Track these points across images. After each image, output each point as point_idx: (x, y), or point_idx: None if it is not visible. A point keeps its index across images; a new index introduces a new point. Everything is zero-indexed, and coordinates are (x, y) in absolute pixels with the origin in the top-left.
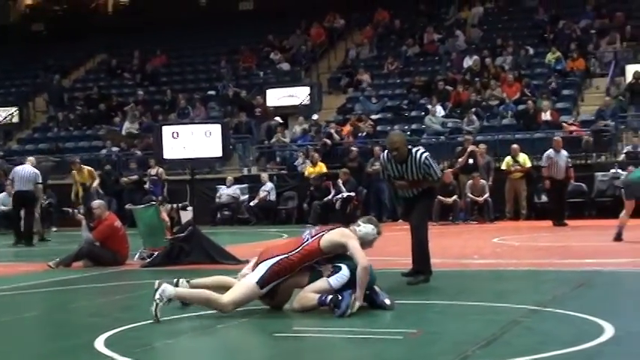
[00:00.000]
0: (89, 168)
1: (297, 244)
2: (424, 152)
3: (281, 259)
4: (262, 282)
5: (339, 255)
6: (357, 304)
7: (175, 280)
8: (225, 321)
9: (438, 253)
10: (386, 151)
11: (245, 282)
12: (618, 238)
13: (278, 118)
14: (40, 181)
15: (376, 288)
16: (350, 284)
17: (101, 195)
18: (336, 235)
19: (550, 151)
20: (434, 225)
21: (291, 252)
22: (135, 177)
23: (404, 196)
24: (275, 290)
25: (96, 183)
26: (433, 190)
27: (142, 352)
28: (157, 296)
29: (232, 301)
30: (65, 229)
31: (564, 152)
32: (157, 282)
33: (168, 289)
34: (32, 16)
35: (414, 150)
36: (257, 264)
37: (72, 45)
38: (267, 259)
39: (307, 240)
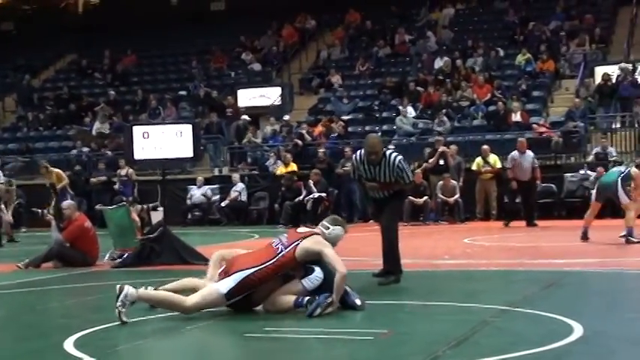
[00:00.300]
0: (57, 170)
1: (269, 254)
2: (398, 155)
3: (254, 272)
4: (230, 294)
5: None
6: (331, 308)
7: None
8: (196, 322)
9: (408, 253)
10: (359, 152)
11: (212, 290)
12: (584, 237)
13: (245, 117)
14: (1, 181)
15: (347, 288)
16: (324, 286)
17: (71, 195)
18: (310, 243)
19: (514, 153)
20: (405, 225)
21: (264, 264)
22: (103, 178)
23: (374, 196)
24: (248, 298)
25: (62, 184)
26: (404, 191)
27: (112, 354)
28: (119, 303)
29: (195, 306)
30: (35, 230)
31: (530, 153)
32: (117, 287)
33: (130, 291)
34: (1, 15)
35: (387, 152)
36: (226, 273)
37: (42, 45)
38: (239, 271)
39: (281, 251)
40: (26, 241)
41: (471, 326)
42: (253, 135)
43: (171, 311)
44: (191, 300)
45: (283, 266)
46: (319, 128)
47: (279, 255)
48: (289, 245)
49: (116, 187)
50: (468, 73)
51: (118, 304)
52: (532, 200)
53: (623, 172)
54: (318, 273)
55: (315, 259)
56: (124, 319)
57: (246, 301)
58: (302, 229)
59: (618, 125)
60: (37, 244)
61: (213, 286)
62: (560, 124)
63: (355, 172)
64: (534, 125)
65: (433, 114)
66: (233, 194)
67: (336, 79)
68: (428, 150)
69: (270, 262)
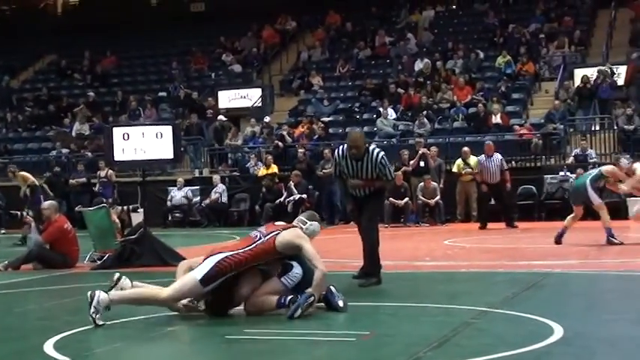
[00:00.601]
0: (22, 173)
1: (247, 242)
2: (380, 151)
3: (228, 256)
4: (206, 280)
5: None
6: (312, 309)
7: (116, 277)
8: (177, 324)
9: (389, 255)
10: (342, 147)
11: (188, 278)
12: (558, 240)
13: (222, 117)
14: None
15: (332, 288)
16: (303, 283)
17: (50, 197)
18: (291, 236)
19: (481, 157)
20: (385, 227)
21: (240, 249)
22: (83, 179)
23: (354, 194)
24: (227, 295)
25: (28, 184)
26: (383, 191)
27: (92, 356)
28: (92, 309)
29: (171, 297)
30: (14, 232)
31: (497, 156)
32: (89, 293)
33: (102, 297)
34: None
35: (370, 148)
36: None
37: (21, 45)
38: (212, 255)
39: (260, 239)
40: (5, 243)
41: (452, 328)
42: (234, 137)
43: (149, 305)
44: (166, 291)
45: (263, 253)
46: (300, 130)
47: (258, 242)
48: (268, 234)
49: (96, 188)
50: (448, 75)
51: (91, 310)
52: (507, 202)
53: (591, 174)
54: (296, 269)
55: (294, 253)
56: (99, 322)
57: (225, 298)
58: (280, 223)
59: (597, 127)
60: (16, 246)
61: (187, 275)
62: (540, 126)
63: (337, 168)
64: (516, 127)
65: (413, 116)
66: (214, 195)
67: (316, 80)
68: (406, 152)
69: (248, 248)
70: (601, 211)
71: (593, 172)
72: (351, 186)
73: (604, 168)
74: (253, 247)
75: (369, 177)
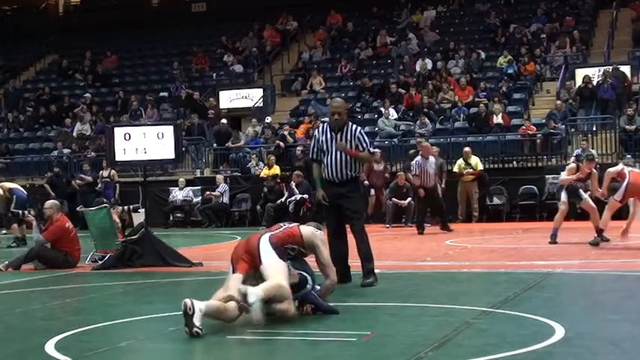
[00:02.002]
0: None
1: (271, 230)
2: (359, 127)
3: (271, 235)
4: (281, 255)
5: (296, 259)
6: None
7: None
8: (178, 324)
9: (391, 255)
10: (321, 125)
11: (275, 267)
12: (553, 240)
13: (224, 121)
14: None
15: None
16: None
17: (52, 197)
18: (312, 233)
19: (418, 159)
20: (387, 228)
21: (272, 232)
22: (89, 179)
23: (329, 179)
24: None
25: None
26: (359, 183)
27: (94, 356)
28: (198, 323)
29: (283, 285)
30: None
31: (433, 159)
32: (186, 303)
33: (198, 306)
34: None
35: (350, 123)
36: (235, 265)
37: (22, 45)
38: (256, 245)
39: (282, 227)
40: (6, 243)
41: (453, 328)
42: (235, 138)
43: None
44: (275, 287)
45: (291, 237)
46: (301, 130)
47: (283, 228)
48: (284, 225)
49: (98, 187)
50: (449, 75)
51: (197, 324)
52: (439, 204)
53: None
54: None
55: (308, 253)
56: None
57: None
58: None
59: (599, 127)
60: (17, 246)
61: (273, 267)
62: (542, 126)
63: (314, 148)
64: (524, 126)
65: (415, 116)
66: (217, 193)
67: (317, 80)
68: (412, 151)
69: (278, 230)
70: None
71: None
72: (338, 147)
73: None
74: (283, 230)
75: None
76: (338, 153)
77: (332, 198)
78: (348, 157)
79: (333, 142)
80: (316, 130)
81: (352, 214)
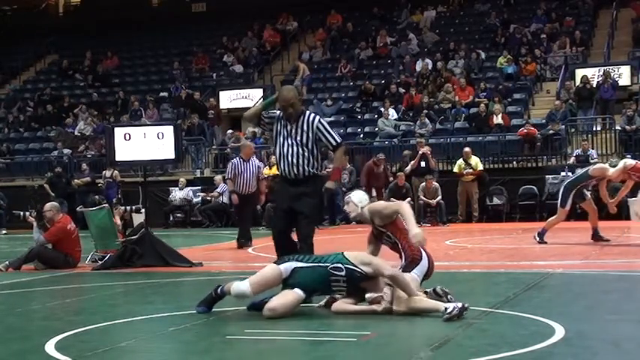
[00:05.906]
0: None
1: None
2: (318, 116)
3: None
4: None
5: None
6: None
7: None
8: (178, 324)
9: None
10: (279, 112)
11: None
12: (598, 238)
13: (230, 132)
14: None
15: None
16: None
17: (51, 197)
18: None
19: (235, 160)
20: None
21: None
22: (87, 179)
23: (283, 176)
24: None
25: None
26: (319, 183)
27: (94, 356)
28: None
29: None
30: (15, 232)
31: (255, 162)
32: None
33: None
34: None
35: (307, 112)
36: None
37: (22, 45)
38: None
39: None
40: (7, 244)
41: (453, 328)
42: (236, 138)
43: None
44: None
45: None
46: None
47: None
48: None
49: (100, 185)
50: (449, 76)
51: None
52: (246, 217)
53: (577, 175)
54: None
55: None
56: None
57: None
58: None
59: (599, 128)
60: (18, 246)
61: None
62: (542, 126)
63: (266, 124)
64: (526, 127)
65: (415, 116)
66: (215, 193)
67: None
68: (407, 152)
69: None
70: (558, 214)
71: (580, 172)
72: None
73: (592, 168)
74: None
75: (304, 143)
76: (293, 144)
77: (284, 201)
78: (306, 149)
79: (289, 135)
80: (277, 114)
81: (303, 219)
